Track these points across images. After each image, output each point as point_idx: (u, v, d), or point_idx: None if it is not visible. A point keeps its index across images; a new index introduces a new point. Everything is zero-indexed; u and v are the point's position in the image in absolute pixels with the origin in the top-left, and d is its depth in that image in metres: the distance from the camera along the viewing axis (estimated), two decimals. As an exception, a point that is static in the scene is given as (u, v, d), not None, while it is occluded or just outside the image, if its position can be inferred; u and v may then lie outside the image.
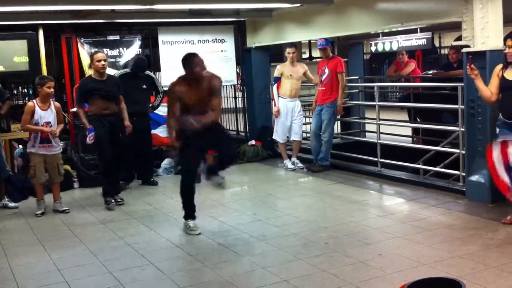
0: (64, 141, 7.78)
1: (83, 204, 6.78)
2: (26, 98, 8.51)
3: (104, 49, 8.18)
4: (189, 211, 5.47)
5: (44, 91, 6.23)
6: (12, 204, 6.75)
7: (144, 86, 7.48)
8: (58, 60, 8.33)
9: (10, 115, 7.56)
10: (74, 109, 7.65)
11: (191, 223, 5.43)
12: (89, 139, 6.40)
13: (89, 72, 7.70)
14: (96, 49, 7.64)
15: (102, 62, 6.48)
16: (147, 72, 7.68)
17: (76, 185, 7.64)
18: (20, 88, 8.93)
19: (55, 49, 8.32)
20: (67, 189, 7.37)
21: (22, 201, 6.88)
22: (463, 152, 6.26)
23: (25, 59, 7.68)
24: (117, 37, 8.57)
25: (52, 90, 6.30)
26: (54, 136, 6.28)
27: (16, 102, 8.04)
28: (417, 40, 12.72)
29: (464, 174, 6.23)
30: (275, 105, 8.35)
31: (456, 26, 6.46)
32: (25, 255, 5.00)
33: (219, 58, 9.13)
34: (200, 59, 5.33)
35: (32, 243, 5.37)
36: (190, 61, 5.29)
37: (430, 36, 12.69)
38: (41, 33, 7.95)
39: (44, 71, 7.90)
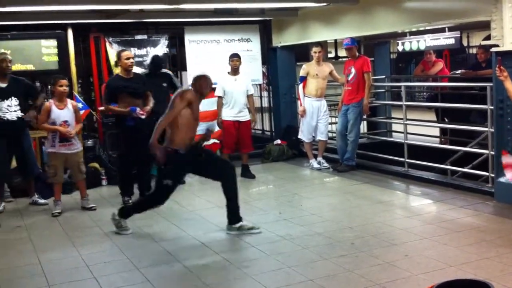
0: (92, 139, 7.91)
1: (111, 201, 6.87)
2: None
3: (132, 49, 8.28)
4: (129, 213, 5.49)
5: (57, 90, 6.32)
6: (41, 201, 6.87)
7: (165, 84, 7.49)
8: (86, 59, 8.46)
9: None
10: (102, 108, 7.75)
11: (123, 222, 5.47)
12: (140, 114, 6.36)
13: (116, 71, 7.79)
14: (121, 48, 7.69)
15: (131, 60, 6.56)
16: (164, 70, 7.71)
17: (104, 182, 7.74)
18: (49, 86, 9.06)
19: (83, 48, 8.45)
20: (95, 186, 7.50)
21: (51, 197, 6.97)
22: (492, 153, 6.17)
23: (55, 58, 7.84)
24: (145, 37, 8.66)
25: (64, 88, 6.34)
26: (69, 136, 6.33)
27: (46, 100, 8.16)
28: (445, 39, 12.57)
29: (493, 175, 6.14)
30: (300, 104, 8.34)
31: (485, 25, 6.37)
32: (54, 251, 5.09)
33: (245, 58, 9.14)
34: (210, 81, 5.39)
35: (61, 239, 5.47)
36: (206, 81, 5.33)
37: (459, 35, 12.54)
38: (70, 33, 8.08)
39: (73, 70, 8.04)
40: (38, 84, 7.79)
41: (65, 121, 6.34)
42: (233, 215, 5.33)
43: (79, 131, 6.62)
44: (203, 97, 5.40)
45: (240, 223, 5.31)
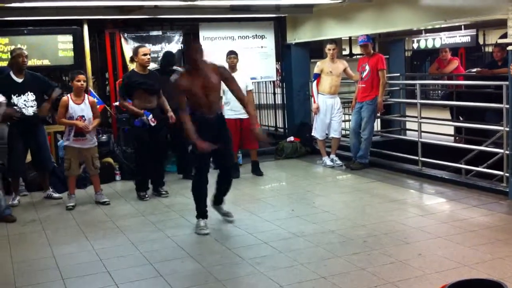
0: (106, 134, 7.96)
1: (124, 196, 6.92)
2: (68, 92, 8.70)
3: (146, 44, 8.29)
4: (201, 210, 5.42)
5: (75, 85, 6.38)
6: (56, 195, 6.93)
7: None
8: (101, 55, 8.51)
9: (56, 106, 7.75)
10: (117, 103, 7.80)
11: (201, 222, 5.38)
12: (152, 121, 6.47)
13: (131, 66, 7.83)
14: (139, 44, 7.71)
15: (148, 56, 6.60)
16: (175, 67, 7.73)
17: (118, 177, 7.79)
18: (64, 82, 9.13)
19: (99, 44, 8.50)
20: (109, 181, 7.55)
21: (65, 192, 7.03)
22: (507, 152, 6.12)
23: (70, 53, 7.89)
24: (159, 33, 8.70)
25: (82, 83, 6.39)
26: (86, 131, 6.39)
27: (63, 94, 8.22)
28: (461, 37, 12.47)
29: (507, 174, 6.09)
30: (314, 101, 8.32)
31: (501, 23, 6.30)
32: (68, 245, 5.14)
33: (259, 54, 9.16)
34: (199, 47, 5.23)
35: (75, 233, 5.51)
36: (190, 50, 5.21)
37: (475, 33, 12.43)
38: (85, 28, 8.12)
39: (88, 66, 8.09)
40: (53, 80, 7.85)
41: (82, 116, 6.40)
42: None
43: (96, 126, 6.66)
44: (198, 66, 5.14)
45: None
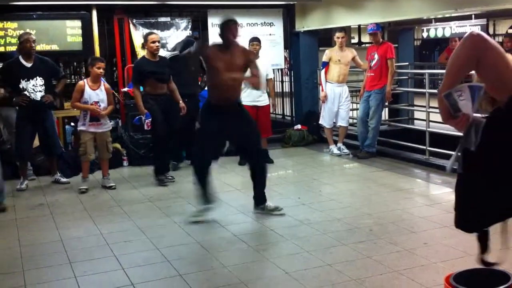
0: (114, 120, 7.98)
1: (131, 181, 6.95)
2: (77, 77, 8.73)
3: (155, 30, 8.29)
4: (202, 196, 5.32)
5: (94, 72, 6.41)
6: (64, 180, 6.97)
7: (193, 68, 7.55)
8: (110, 41, 8.51)
9: (63, 93, 7.79)
10: (125, 89, 7.82)
11: (201, 207, 5.33)
12: (147, 125, 6.53)
13: (141, 52, 7.84)
14: (150, 30, 7.70)
15: (157, 44, 6.61)
16: None
17: (125, 163, 7.83)
18: (72, 67, 9.16)
19: (107, 29, 8.49)
20: (117, 166, 7.59)
21: (73, 176, 7.08)
22: (516, 143, 6.09)
23: (79, 39, 7.89)
24: (168, 19, 8.68)
25: (101, 71, 6.45)
26: (99, 115, 6.43)
27: (69, 81, 8.25)
28: (471, 26, 12.39)
29: (515, 165, 6.06)
30: (322, 90, 8.30)
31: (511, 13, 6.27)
32: (75, 229, 5.17)
33: (267, 42, 9.12)
34: (235, 27, 5.15)
35: (83, 218, 5.55)
36: (226, 28, 5.12)
37: (485, 23, 12.35)
38: (94, 14, 8.11)
39: (97, 51, 8.09)
40: (61, 65, 7.88)
41: (97, 102, 6.44)
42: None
43: (109, 112, 6.69)
44: (230, 43, 5.09)
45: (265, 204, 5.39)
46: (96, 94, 6.46)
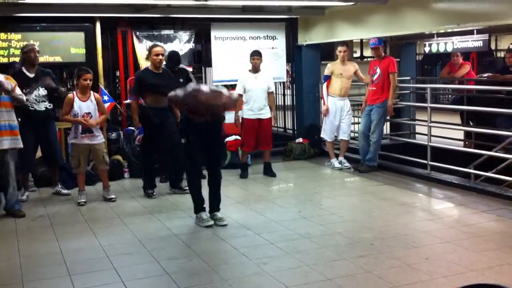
0: (116, 132, 7.99)
1: (132, 193, 6.94)
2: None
3: (158, 43, 8.32)
4: (199, 205, 5.61)
5: (81, 83, 6.41)
6: (65, 191, 6.96)
7: (181, 80, 7.52)
8: (113, 53, 8.54)
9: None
10: (128, 101, 7.83)
11: (203, 215, 5.56)
12: (137, 140, 6.57)
13: (144, 65, 7.86)
14: (153, 43, 7.71)
15: (160, 57, 6.61)
16: (182, 66, 7.73)
17: (126, 175, 7.81)
18: (74, 79, 9.15)
19: (111, 41, 8.52)
20: (118, 178, 7.58)
21: (74, 188, 7.06)
22: (517, 158, 6.09)
23: (82, 50, 7.93)
24: (171, 32, 8.72)
25: (88, 82, 6.42)
26: (90, 125, 6.42)
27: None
28: (473, 41, 12.44)
29: (517, 180, 6.06)
30: (324, 103, 8.31)
31: (514, 29, 6.29)
32: (75, 241, 5.16)
33: (270, 55, 9.14)
34: None
35: (83, 230, 5.54)
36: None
37: (487, 38, 12.38)
38: (98, 26, 8.14)
39: (100, 63, 8.12)
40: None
41: (88, 113, 6.43)
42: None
43: (102, 122, 6.69)
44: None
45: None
46: (87, 106, 6.44)
